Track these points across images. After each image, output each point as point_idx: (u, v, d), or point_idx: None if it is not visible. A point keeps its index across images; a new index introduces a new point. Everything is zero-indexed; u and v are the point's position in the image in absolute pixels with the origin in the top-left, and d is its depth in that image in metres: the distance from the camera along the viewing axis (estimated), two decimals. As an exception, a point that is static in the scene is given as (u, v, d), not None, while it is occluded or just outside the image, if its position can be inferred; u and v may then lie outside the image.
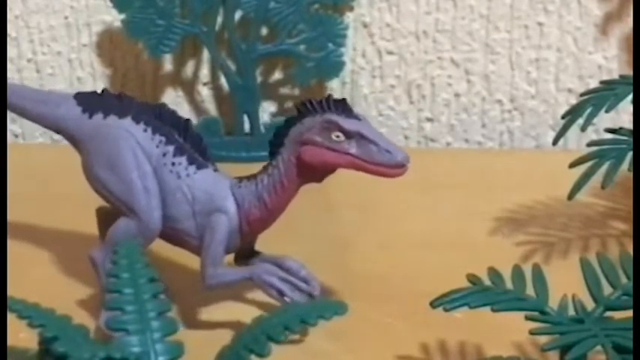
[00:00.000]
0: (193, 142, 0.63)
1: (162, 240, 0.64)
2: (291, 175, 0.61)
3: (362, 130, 0.59)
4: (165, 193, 0.62)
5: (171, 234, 0.63)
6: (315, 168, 0.60)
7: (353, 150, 0.59)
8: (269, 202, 0.62)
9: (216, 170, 0.64)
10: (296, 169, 0.61)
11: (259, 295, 0.66)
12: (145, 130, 0.63)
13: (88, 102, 0.65)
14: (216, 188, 0.62)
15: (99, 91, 0.66)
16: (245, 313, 0.63)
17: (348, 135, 0.59)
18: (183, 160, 0.63)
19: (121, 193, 0.62)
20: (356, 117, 0.60)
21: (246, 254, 0.65)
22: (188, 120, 0.64)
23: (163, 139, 0.63)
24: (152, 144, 0.63)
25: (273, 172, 0.61)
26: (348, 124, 0.59)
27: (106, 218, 0.67)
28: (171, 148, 0.63)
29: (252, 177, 0.62)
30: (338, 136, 0.59)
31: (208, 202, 0.62)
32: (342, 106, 0.60)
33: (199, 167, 0.63)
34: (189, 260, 0.67)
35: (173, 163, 0.62)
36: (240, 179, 0.63)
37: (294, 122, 0.61)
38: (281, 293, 0.62)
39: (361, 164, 0.59)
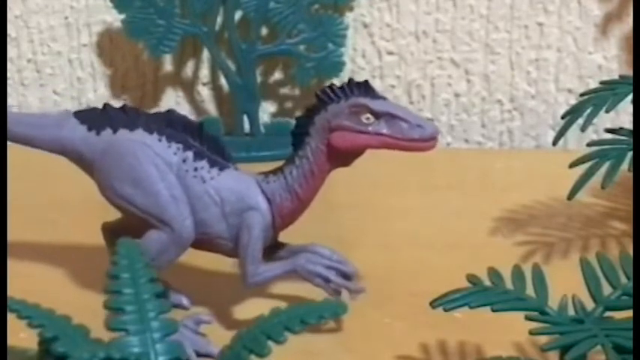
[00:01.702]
0: (210, 144, 0.62)
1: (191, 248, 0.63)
2: (322, 163, 0.61)
3: (390, 109, 0.59)
4: (192, 199, 0.61)
5: (202, 239, 0.62)
6: (347, 153, 0.60)
7: (384, 130, 0.59)
8: (301, 192, 0.61)
9: (237, 169, 0.63)
10: (326, 156, 0.61)
11: (260, 294, 0.66)
12: (160, 140, 0.61)
13: (92, 119, 0.63)
14: (244, 187, 0.62)
15: (100, 106, 0.64)
16: (245, 312, 0.63)
17: (377, 116, 0.59)
18: (204, 163, 0.62)
19: (149, 206, 0.61)
20: (381, 97, 0.60)
21: (271, 247, 0.64)
22: (201, 123, 0.63)
23: (180, 145, 0.61)
24: (170, 152, 0.61)
25: (302, 162, 0.61)
26: (376, 105, 0.59)
27: (112, 234, 0.65)
28: (190, 154, 0.61)
29: (277, 171, 0.62)
30: (368, 119, 0.59)
31: (238, 202, 0.61)
32: (365, 88, 0.60)
33: (222, 168, 0.62)
34: (189, 260, 0.67)
35: (195, 168, 0.61)
36: (266, 174, 0.62)
37: (317, 111, 0.60)
38: (327, 280, 0.62)
39: (395, 143, 0.59)
